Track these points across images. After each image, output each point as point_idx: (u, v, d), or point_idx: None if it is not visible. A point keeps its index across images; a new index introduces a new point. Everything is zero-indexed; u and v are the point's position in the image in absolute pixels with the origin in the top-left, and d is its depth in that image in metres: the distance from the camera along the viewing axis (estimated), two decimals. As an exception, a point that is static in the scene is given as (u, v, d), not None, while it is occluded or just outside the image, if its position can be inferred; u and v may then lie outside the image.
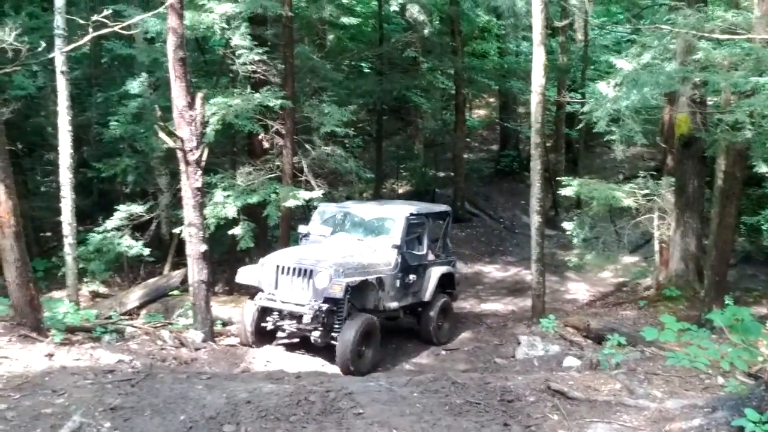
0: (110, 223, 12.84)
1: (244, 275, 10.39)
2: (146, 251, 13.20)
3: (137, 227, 13.35)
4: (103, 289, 13.47)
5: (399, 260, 10.58)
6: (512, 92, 22.49)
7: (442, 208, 12.41)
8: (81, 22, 10.19)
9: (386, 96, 18.90)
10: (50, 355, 7.88)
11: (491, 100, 27.28)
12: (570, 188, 13.38)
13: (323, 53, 16.18)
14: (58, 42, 10.83)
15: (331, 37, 19.30)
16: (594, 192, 13.01)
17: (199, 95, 10.19)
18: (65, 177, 11.17)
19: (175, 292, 12.54)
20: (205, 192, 10.79)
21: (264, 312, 10.01)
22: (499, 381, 6.54)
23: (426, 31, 17.21)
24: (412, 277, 10.87)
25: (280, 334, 10.10)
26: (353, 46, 19.23)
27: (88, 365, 7.75)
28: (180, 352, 9.25)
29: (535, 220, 11.76)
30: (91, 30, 9.79)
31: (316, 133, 13.10)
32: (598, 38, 22.97)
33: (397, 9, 16.08)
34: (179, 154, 10.04)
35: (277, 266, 9.88)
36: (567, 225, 13.82)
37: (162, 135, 10.15)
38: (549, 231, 15.88)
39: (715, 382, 6.34)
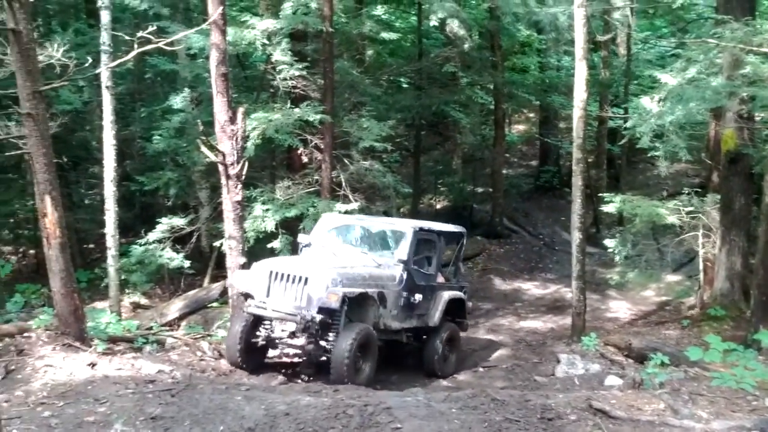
0: (152, 236, 13.01)
1: (238, 279, 9.63)
2: (187, 263, 13.34)
3: (178, 240, 13.50)
4: (144, 301, 13.65)
5: (405, 277, 9.69)
6: (553, 107, 22.28)
7: (457, 229, 11.30)
8: (126, 38, 10.43)
9: (425, 111, 18.88)
10: (93, 365, 8.00)
11: (531, 115, 27.09)
12: (612, 205, 13.18)
13: (362, 68, 16.25)
14: (103, 58, 11.05)
15: (370, 52, 19.37)
16: (637, 209, 12.79)
17: (241, 110, 10.31)
18: (109, 190, 11.35)
19: (215, 304, 12.63)
20: (245, 205, 10.89)
21: (255, 326, 9.19)
22: (539, 398, 6.45)
23: (466, 46, 17.14)
24: (417, 297, 9.98)
25: (271, 351, 9.40)
26: (392, 61, 19.30)
27: (130, 375, 7.86)
28: (219, 364, 9.31)
29: (576, 236, 11.59)
30: (136, 46, 9.99)
31: (355, 148, 13.14)
32: (642, 52, 22.66)
33: (436, 24, 16.05)
34: (220, 168, 10.16)
35: (270, 272, 9.02)
36: (609, 242, 13.61)
37: (204, 149, 10.30)
38: (590, 248, 15.66)
39: (763, 403, 6.19)
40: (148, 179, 14.13)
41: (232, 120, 10.16)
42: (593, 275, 16.22)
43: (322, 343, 8.79)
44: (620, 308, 15.08)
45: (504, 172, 21.17)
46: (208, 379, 8.16)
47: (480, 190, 21.91)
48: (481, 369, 10.77)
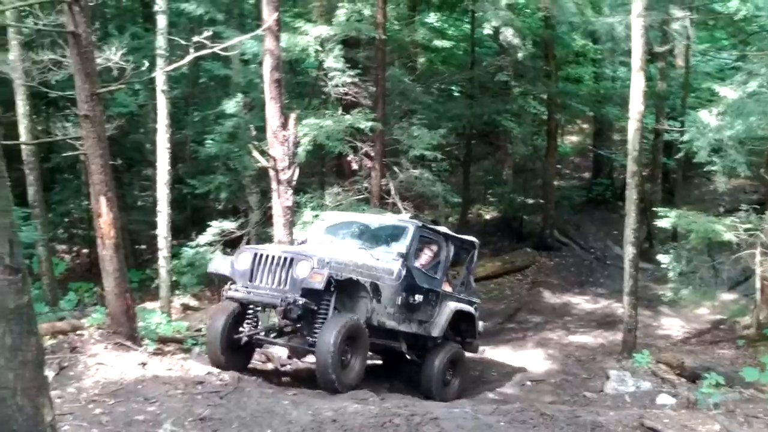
0: (202, 239, 13.15)
1: (217, 264, 8.87)
2: (236, 267, 13.41)
3: (228, 243, 13.61)
4: (193, 302, 13.80)
5: (403, 272, 8.78)
6: (607, 119, 21.91)
7: (469, 238, 10.47)
8: (182, 42, 10.59)
9: (476, 120, 18.76)
10: (143, 364, 8.07)
11: (585, 126, 26.70)
12: (666, 220, 12.86)
13: (414, 76, 16.22)
14: (159, 62, 11.21)
15: (422, 59, 19.35)
16: (692, 224, 12.45)
17: (293, 116, 10.37)
18: (162, 192, 11.51)
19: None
20: (294, 211, 10.91)
21: (238, 321, 8.48)
22: (589, 415, 6.30)
23: (519, 55, 16.99)
24: (418, 298, 9.05)
25: (256, 353, 8.87)
26: (444, 69, 19.23)
27: (179, 375, 7.91)
28: (266, 367, 9.33)
29: (629, 251, 11.34)
30: (191, 51, 10.14)
31: (405, 156, 13.11)
32: (701, 65, 22.16)
33: (490, 32, 15.96)
34: (271, 173, 10.22)
35: (255, 254, 8.35)
36: (662, 258, 13.26)
37: (255, 154, 10.38)
38: (643, 263, 15.31)
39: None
40: (200, 183, 14.30)
41: (284, 126, 10.21)
42: (645, 291, 15.86)
43: (307, 335, 8.05)
44: (673, 326, 14.73)
45: (556, 183, 20.91)
46: (255, 382, 8.16)
47: (531, 201, 21.64)
48: (528, 383, 10.57)
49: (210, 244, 13.21)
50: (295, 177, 10.27)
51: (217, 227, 13.28)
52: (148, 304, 13.16)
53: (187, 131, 15.49)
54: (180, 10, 13.65)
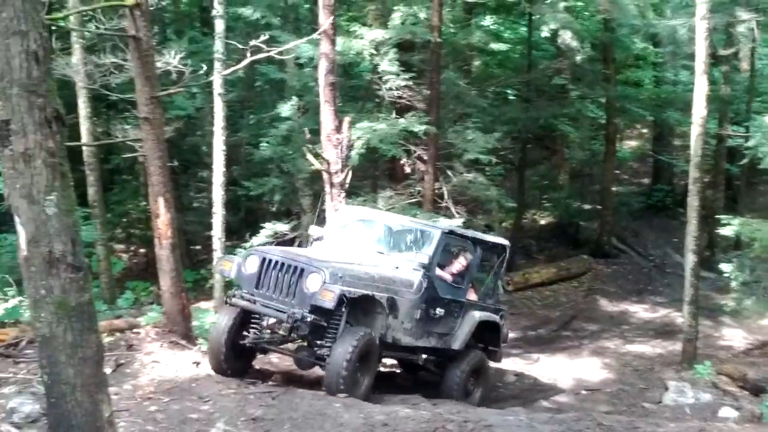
0: (256, 240, 13.23)
1: (224, 265, 8.36)
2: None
3: (281, 245, 13.68)
4: (246, 303, 13.88)
5: (424, 284, 8.11)
6: (668, 123, 21.41)
7: (499, 240, 9.72)
8: (239, 47, 10.70)
9: (532, 124, 18.52)
10: (197, 363, 8.20)
11: (644, 130, 26.16)
12: (729, 227, 12.47)
13: (469, 79, 16.09)
14: (217, 65, 11.33)
15: (477, 63, 19.20)
16: (756, 232, 12.03)
17: (347, 119, 10.39)
18: (217, 194, 11.61)
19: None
20: (346, 214, 10.91)
21: (242, 324, 7.91)
22: (648, 426, 6.15)
23: (577, 58, 16.70)
24: (439, 311, 8.45)
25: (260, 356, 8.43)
26: (500, 72, 19.04)
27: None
28: (315, 369, 9.33)
29: (690, 259, 11.03)
30: (248, 54, 10.24)
31: (459, 160, 12.99)
32: (767, 68, 21.48)
33: (548, 35, 15.73)
34: (325, 176, 10.26)
35: (263, 259, 7.77)
36: (724, 267, 12.87)
37: (309, 157, 10.43)
38: (704, 272, 14.90)
39: None
40: (254, 185, 14.41)
41: (338, 129, 10.24)
42: (706, 300, 15.40)
43: (316, 349, 7.58)
44: (735, 336, 14.28)
45: (614, 189, 20.52)
46: (308, 384, 8.19)
47: (587, 207, 21.29)
48: (583, 392, 10.40)
49: (263, 245, 13.30)
50: (348, 180, 10.27)
51: (270, 229, 13.35)
52: (203, 304, 13.31)
53: (243, 134, 15.65)
54: (237, 15, 13.81)
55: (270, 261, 7.70)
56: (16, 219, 3.95)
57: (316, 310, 7.24)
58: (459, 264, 9.01)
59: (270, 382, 7.91)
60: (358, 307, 7.58)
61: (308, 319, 7.23)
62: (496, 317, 9.35)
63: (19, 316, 9.79)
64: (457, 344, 8.75)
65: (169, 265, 8.90)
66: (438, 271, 8.60)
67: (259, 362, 8.74)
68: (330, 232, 9.06)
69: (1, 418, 5.88)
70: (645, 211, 22.11)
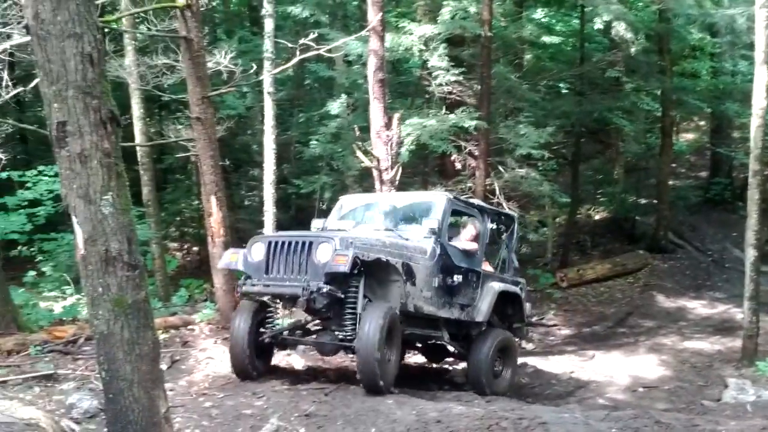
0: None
1: (228, 258, 7.81)
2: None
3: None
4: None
5: (437, 250, 7.81)
6: (726, 115, 20.79)
7: (507, 211, 9.62)
8: (289, 45, 10.74)
9: (585, 117, 18.17)
10: (251, 359, 8.22)
11: (701, 123, 25.50)
12: (792, 221, 12.07)
13: (520, 73, 15.87)
14: (266, 64, 11.40)
15: (529, 56, 18.92)
16: (821, 226, 11.63)
17: (396, 116, 10.34)
18: (268, 192, 11.69)
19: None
20: (397, 211, 10.85)
21: (261, 322, 7.59)
22: (708, 424, 5.95)
23: (632, 50, 16.32)
24: (456, 278, 8.11)
25: (280, 352, 8.15)
26: (552, 65, 18.73)
27: (284, 371, 8.05)
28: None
29: (751, 254, 10.67)
30: (297, 53, 10.27)
31: (510, 155, 12.82)
32: (830, 56, 20.69)
33: (601, 27, 15.40)
34: (374, 173, 10.22)
35: (270, 242, 7.40)
36: (787, 262, 12.48)
37: (359, 154, 10.41)
38: (765, 267, 14.44)
39: None
40: (304, 183, 14.48)
41: (388, 126, 10.20)
42: (767, 296, 15.00)
43: (335, 329, 7.21)
44: (798, 333, 13.81)
45: (670, 183, 20.04)
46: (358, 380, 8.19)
47: (643, 201, 20.84)
48: (640, 389, 10.16)
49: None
50: (398, 177, 10.22)
51: (320, 226, 13.38)
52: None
53: (292, 132, 15.73)
54: (286, 14, 13.88)
55: (276, 243, 7.32)
56: (74, 218, 4.02)
57: (331, 279, 6.86)
58: (468, 233, 8.73)
59: (322, 378, 7.89)
60: (374, 276, 7.18)
61: (324, 290, 6.79)
62: (516, 289, 9.06)
63: (77, 314, 10.02)
64: (480, 316, 8.38)
65: (222, 263, 8.97)
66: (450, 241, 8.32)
67: (312, 359, 8.77)
68: (330, 223, 8.66)
69: (61, 414, 5.97)
70: (703, 205, 21.57)
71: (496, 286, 8.61)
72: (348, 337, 6.96)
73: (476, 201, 9.10)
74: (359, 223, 8.41)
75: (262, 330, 7.52)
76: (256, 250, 7.40)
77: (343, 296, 6.96)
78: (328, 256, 6.81)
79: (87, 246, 4.02)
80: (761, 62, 10.54)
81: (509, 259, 9.27)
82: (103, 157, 3.97)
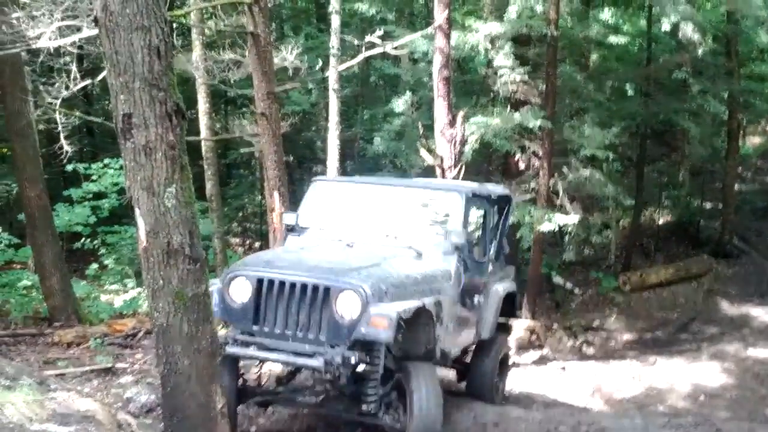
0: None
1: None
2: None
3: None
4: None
5: (461, 271, 6.20)
6: (796, 118, 20.23)
7: (502, 190, 7.68)
8: (354, 42, 10.84)
9: (651, 119, 17.87)
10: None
11: (769, 127, 24.84)
12: None
13: (586, 73, 15.68)
14: (332, 61, 11.53)
15: (595, 56, 18.68)
16: None
17: (460, 114, 10.34)
18: (331, 189, 11.80)
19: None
20: (459, 209, 10.85)
21: (243, 393, 5.83)
22: (771, 434, 5.83)
23: (699, 51, 15.98)
24: (477, 299, 6.69)
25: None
26: (618, 66, 18.47)
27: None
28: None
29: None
30: (363, 50, 10.36)
31: (575, 156, 12.69)
32: None
33: (668, 28, 15.12)
34: (438, 171, 10.24)
35: (260, 280, 5.36)
36: None
37: (423, 152, 10.43)
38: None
39: None
40: (368, 180, 14.57)
41: (452, 124, 10.20)
42: (836, 305, 14.58)
43: (361, 398, 5.31)
44: None
45: (736, 187, 19.56)
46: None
47: (708, 205, 20.40)
48: (702, 397, 10.02)
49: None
50: (461, 175, 10.21)
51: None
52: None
53: (357, 129, 15.86)
54: (353, 11, 13.99)
55: (271, 283, 5.34)
56: (137, 210, 4.04)
57: (358, 345, 5.14)
58: (477, 232, 7.36)
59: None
60: (406, 324, 5.29)
61: (351, 360, 5.03)
62: (514, 286, 7.66)
63: (137, 307, 10.27)
64: (486, 331, 6.92)
65: (283, 259, 9.10)
66: None
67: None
68: (307, 219, 6.68)
69: (118, 407, 6.02)
70: (770, 211, 21.02)
71: (500, 289, 7.21)
72: (371, 411, 5.27)
73: (485, 190, 7.16)
74: (348, 223, 6.54)
75: (246, 384, 6.00)
76: (238, 289, 5.44)
77: (368, 361, 5.22)
78: (355, 311, 5.07)
79: (149, 238, 4.02)
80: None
81: (501, 244, 7.44)
82: (168, 150, 3.97)
